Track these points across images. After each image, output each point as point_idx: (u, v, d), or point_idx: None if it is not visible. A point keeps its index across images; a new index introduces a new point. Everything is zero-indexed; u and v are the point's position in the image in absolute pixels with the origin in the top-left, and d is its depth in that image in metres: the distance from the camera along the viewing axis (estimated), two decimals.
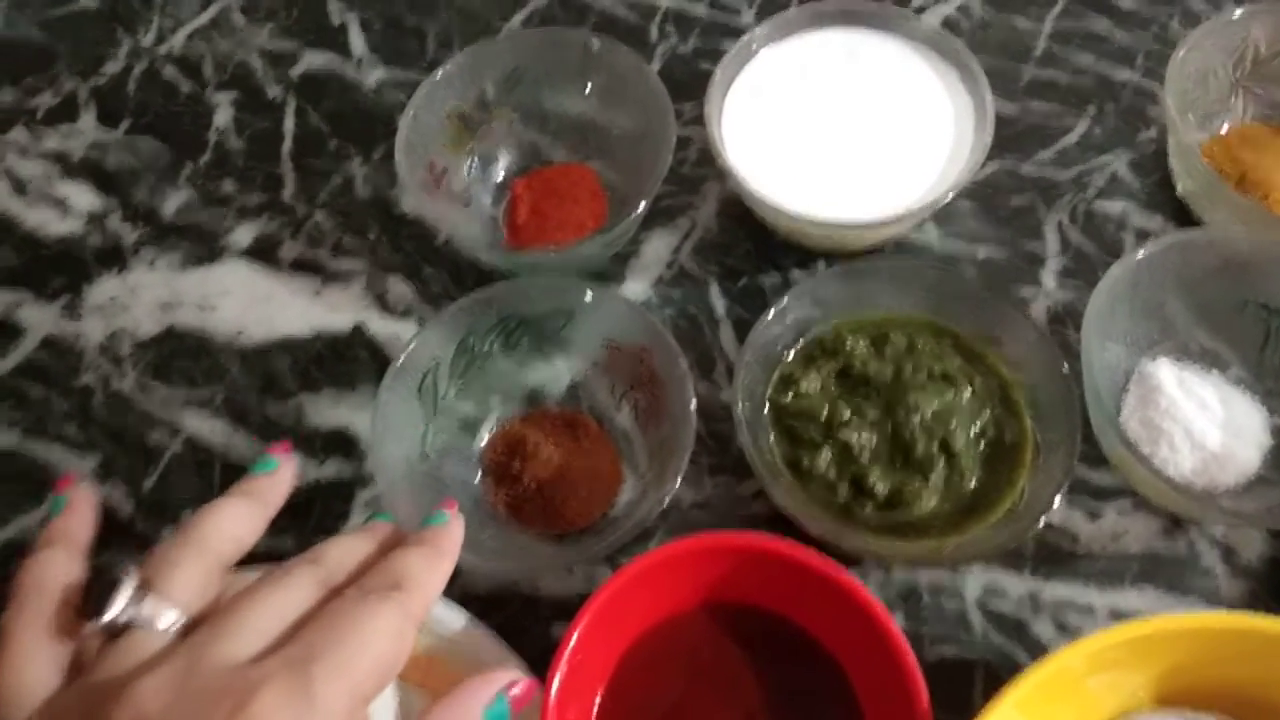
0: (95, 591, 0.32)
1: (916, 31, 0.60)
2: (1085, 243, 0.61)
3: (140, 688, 0.29)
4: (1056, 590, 0.52)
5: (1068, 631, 0.51)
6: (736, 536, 0.46)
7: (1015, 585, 0.52)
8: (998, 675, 0.50)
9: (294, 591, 0.33)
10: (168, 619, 0.32)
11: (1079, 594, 0.52)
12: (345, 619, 0.32)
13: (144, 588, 0.32)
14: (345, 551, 0.37)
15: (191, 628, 0.32)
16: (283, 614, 0.32)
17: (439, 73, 0.58)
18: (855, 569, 0.49)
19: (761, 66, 0.60)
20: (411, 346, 0.51)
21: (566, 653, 0.43)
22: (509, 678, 0.40)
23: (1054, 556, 0.53)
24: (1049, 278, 0.60)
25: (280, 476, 0.41)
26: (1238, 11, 0.59)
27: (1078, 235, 0.61)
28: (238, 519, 0.38)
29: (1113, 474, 0.54)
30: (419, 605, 0.35)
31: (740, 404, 0.49)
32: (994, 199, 0.62)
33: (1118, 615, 0.52)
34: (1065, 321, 0.58)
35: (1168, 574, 0.52)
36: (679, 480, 0.47)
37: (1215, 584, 0.52)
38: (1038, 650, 0.51)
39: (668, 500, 0.47)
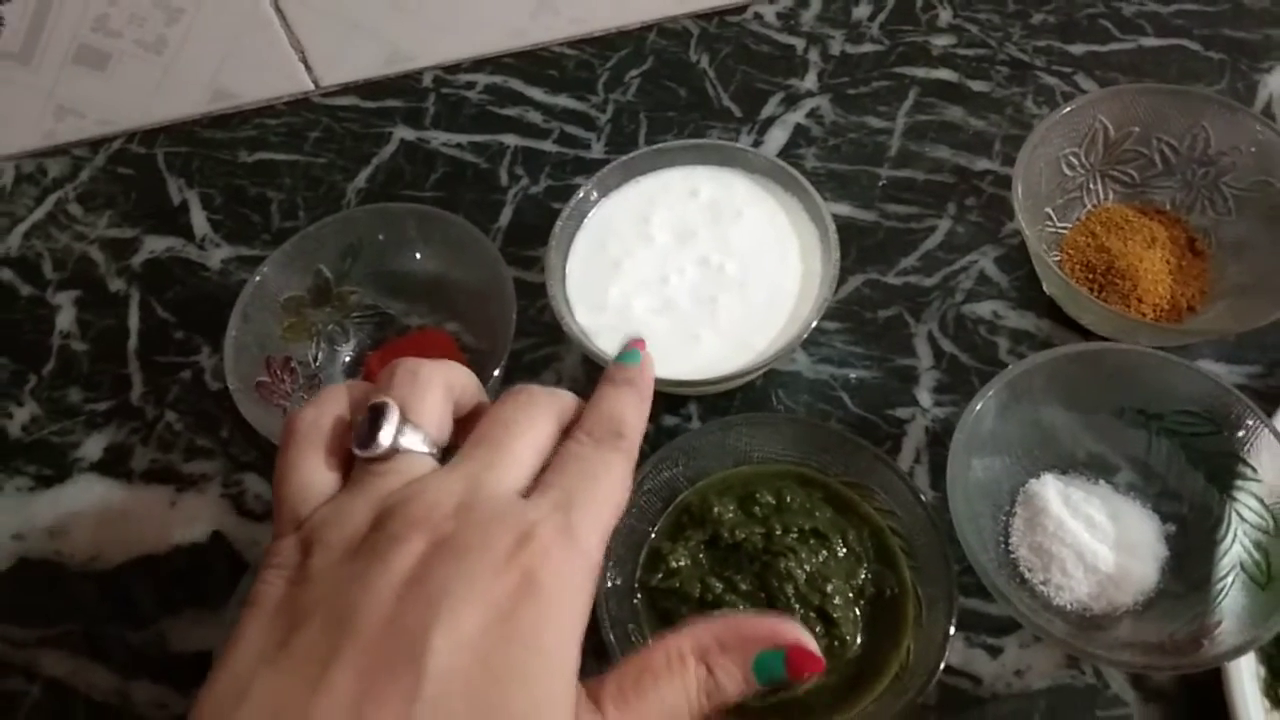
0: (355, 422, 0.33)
1: (754, 163, 0.58)
2: (958, 352, 0.59)
3: (431, 490, 0.31)
4: None
5: None
6: None
7: None
8: None
9: (542, 425, 0.35)
10: (427, 447, 0.33)
11: None
12: (592, 467, 0.34)
13: (405, 418, 0.33)
14: (573, 400, 0.37)
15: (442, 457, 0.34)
16: (537, 448, 0.34)
17: (259, 273, 0.56)
18: None
19: (602, 217, 0.58)
20: (253, 571, 0.48)
21: None
22: (799, 638, 0.33)
23: (957, 703, 0.50)
24: (924, 395, 0.58)
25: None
26: (1067, 107, 0.57)
27: (950, 344, 0.59)
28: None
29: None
30: (635, 452, 0.36)
31: (605, 602, 0.47)
32: (861, 316, 0.60)
33: None
34: (945, 442, 0.56)
35: (1077, 708, 0.50)
36: None
37: (1127, 713, 0.50)
38: None
39: None
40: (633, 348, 0.40)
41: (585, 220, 0.58)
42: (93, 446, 0.61)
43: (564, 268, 0.56)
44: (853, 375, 0.59)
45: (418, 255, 0.59)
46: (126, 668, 0.55)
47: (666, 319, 0.55)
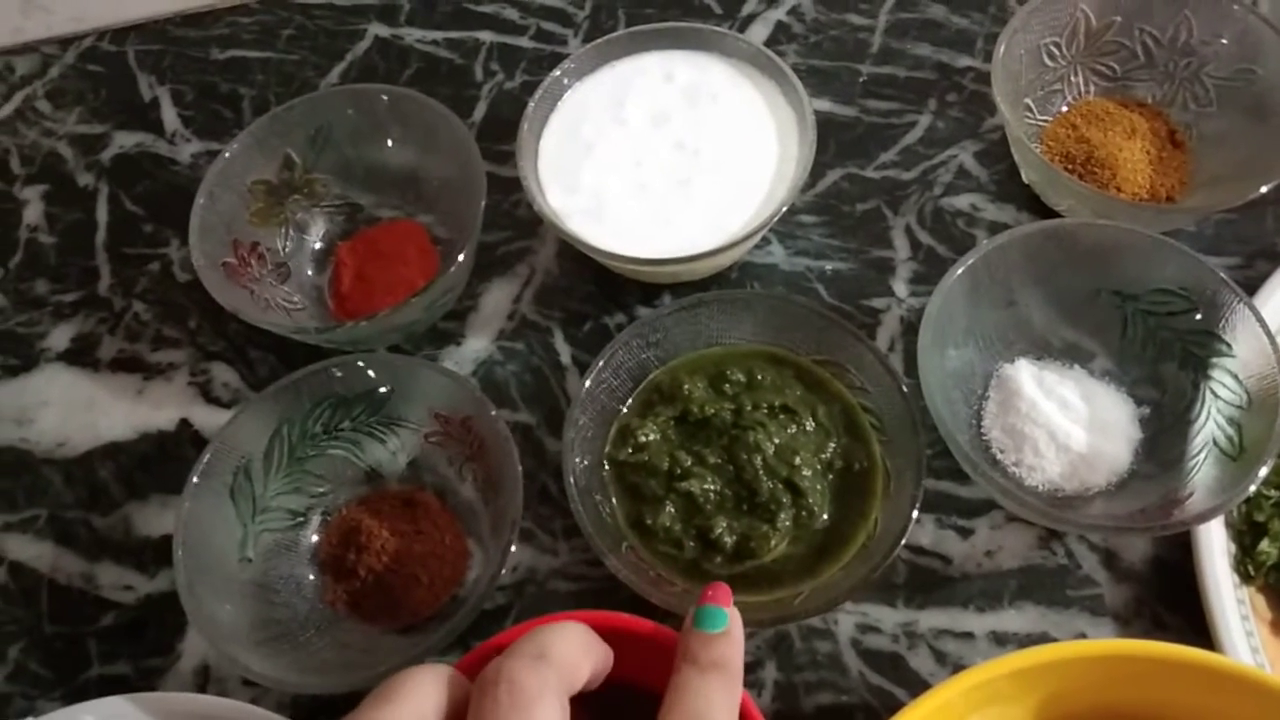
0: None
1: (733, 48, 0.57)
2: (935, 244, 0.58)
3: None
4: (932, 619, 0.49)
5: (947, 663, 0.48)
6: (578, 615, 0.42)
7: (889, 618, 0.49)
8: (879, 718, 0.47)
9: None
10: None
11: (956, 620, 0.49)
12: None
13: None
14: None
15: None
16: None
17: (228, 150, 0.55)
18: None
19: (576, 100, 0.57)
20: (213, 448, 0.47)
21: None
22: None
23: (927, 583, 0.50)
24: (900, 286, 0.57)
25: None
26: None
27: (927, 236, 0.58)
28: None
29: (980, 488, 0.51)
30: None
31: (572, 471, 0.46)
32: (838, 209, 0.60)
33: (998, 639, 0.49)
34: None
35: (1047, 587, 0.50)
36: (508, 554, 0.44)
37: (1098, 592, 0.49)
38: (918, 687, 0.48)
39: (499, 576, 0.44)
40: (713, 603, 0.33)
41: (559, 103, 0.57)
42: (59, 336, 0.60)
43: (536, 148, 0.55)
44: (829, 267, 0.58)
45: (389, 143, 0.58)
46: (92, 551, 0.54)
47: (640, 201, 0.54)
